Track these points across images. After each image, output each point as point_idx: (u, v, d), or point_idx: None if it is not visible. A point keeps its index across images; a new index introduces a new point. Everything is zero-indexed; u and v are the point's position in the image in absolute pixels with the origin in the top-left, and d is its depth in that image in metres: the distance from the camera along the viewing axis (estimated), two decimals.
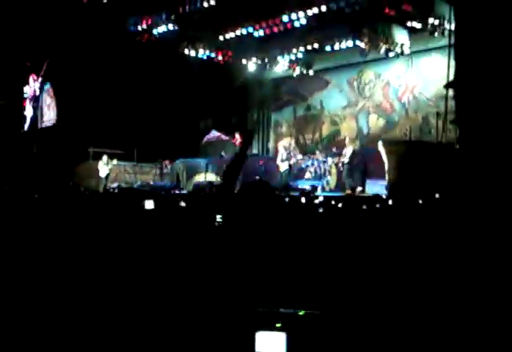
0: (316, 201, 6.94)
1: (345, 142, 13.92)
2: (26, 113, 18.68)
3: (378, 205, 5.32)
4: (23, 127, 18.21)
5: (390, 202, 6.02)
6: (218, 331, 1.34)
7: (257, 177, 14.30)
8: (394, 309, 1.81)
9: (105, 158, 15.95)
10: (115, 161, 15.97)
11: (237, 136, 18.47)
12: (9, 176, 14.68)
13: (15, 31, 15.04)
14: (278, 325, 1.16)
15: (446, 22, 13.46)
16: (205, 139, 18.54)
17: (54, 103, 17.80)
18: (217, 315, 1.46)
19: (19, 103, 18.36)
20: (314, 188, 12.79)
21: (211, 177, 17.22)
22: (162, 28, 15.59)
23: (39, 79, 17.98)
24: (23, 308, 1.87)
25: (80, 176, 16.56)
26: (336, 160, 13.89)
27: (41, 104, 18.32)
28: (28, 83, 18.60)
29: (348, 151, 13.31)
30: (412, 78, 16.77)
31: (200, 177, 17.02)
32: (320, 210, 5.10)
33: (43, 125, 18.03)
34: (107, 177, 15.95)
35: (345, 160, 13.29)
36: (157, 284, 2.00)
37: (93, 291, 2.01)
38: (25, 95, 18.63)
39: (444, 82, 13.18)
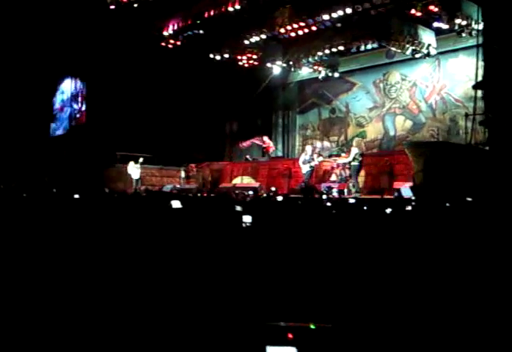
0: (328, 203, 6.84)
1: (352, 143, 13.90)
2: (58, 116, 19.00)
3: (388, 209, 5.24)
4: (51, 132, 18.53)
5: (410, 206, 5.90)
6: (229, 345, 1.34)
7: (303, 184, 14.25)
8: (409, 322, 1.79)
9: (132, 162, 16.21)
10: (141, 159, 16.20)
11: (265, 139, 18.47)
12: (39, 179, 14.98)
13: (47, 36, 15.35)
14: (289, 338, 1.16)
15: (473, 22, 13.25)
16: (243, 144, 18.54)
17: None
18: (227, 329, 1.47)
19: (48, 107, 18.70)
20: (330, 189, 12.71)
21: (238, 180, 17.28)
22: (188, 33, 15.74)
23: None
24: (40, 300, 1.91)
25: (108, 179, 16.80)
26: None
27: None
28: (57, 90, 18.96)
29: (352, 152, 13.24)
30: (439, 78, 16.54)
31: (236, 180, 17.15)
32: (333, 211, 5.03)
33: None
34: (139, 179, 16.23)
35: (348, 160, 13.23)
36: (166, 292, 2.01)
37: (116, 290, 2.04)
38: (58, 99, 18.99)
39: (472, 83, 13.00)
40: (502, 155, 10.49)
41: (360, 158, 13.14)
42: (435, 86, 16.70)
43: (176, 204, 5.10)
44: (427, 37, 14.55)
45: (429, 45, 14.55)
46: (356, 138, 14.68)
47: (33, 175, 15.13)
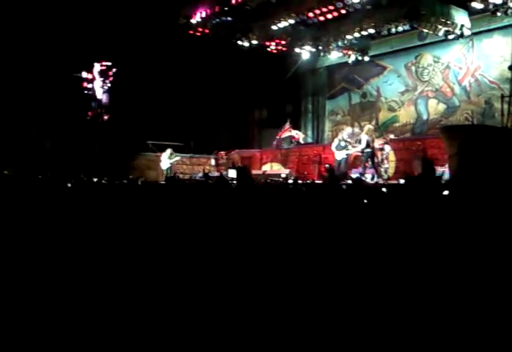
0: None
1: (361, 130, 13.72)
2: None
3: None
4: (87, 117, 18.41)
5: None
6: None
7: (327, 166, 14.09)
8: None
9: (169, 150, 16.30)
10: (177, 158, 16.31)
11: (293, 132, 18.20)
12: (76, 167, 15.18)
13: (77, 24, 15.42)
14: None
15: (509, 0, 12.79)
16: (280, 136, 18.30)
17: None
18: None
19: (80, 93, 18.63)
20: (361, 175, 12.61)
21: (267, 167, 17.27)
22: (215, 20, 15.67)
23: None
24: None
25: (139, 168, 17.01)
26: (351, 150, 13.75)
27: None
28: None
29: (363, 139, 13.05)
30: (473, 60, 16.08)
31: (265, 167, 17.18)
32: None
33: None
34: (169, 169, 16.33)
35: (362, 147, 13.06)
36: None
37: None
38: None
39: (508, 63, 12.63)
40: None
41: (371, 144, 13.03)
42: (469, 67, 16.24)
43: (232, 173, 5.08)
44: (460, 17, 14.12)
45: (462, 25, 14.11)
46: (368, 126, 14.33)
47: (68, 164, 15.34)
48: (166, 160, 16.30)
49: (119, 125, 17.16)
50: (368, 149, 13.01)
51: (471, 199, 5.26)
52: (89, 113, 17.78)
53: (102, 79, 17.80)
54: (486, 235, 2.81)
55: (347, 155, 13.89)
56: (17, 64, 15.23)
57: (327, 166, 14.11)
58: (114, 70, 17.49)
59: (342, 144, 13.95)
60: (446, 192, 5.66)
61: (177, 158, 16.37)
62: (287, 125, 18.30)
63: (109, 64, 17.50)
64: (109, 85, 17.64)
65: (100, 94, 17.91)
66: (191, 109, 17.57)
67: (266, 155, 17.92)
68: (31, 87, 15.69)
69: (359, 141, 13.58)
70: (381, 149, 13.79)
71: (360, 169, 13.68)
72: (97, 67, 17.79)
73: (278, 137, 17.98)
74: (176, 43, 16.31)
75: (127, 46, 16.35)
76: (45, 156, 15.94)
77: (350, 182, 11.51)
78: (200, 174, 16.63)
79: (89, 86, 17.85)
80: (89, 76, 17.81)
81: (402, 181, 10.54)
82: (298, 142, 17.89)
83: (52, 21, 15.11)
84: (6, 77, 15.27)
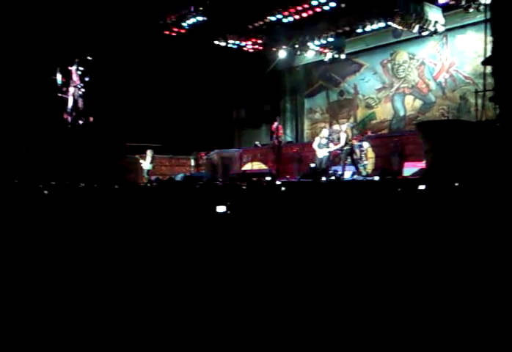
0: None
1: (340, 128, 13.91)
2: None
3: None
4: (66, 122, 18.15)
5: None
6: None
7: (312, 165, 14.13)
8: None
9: (149, 152, 16.19)
10: (150, 166, 16.19)
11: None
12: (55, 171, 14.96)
13: (52, 25, 15.19)
14: None
15: None
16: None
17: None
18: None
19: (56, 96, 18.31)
20: (335, 172, 12.76)
21: (248, 166, 17.27)
22: (191, 20, 15.62)
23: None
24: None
25: (119, 170, 16.84)
26: (333, 148, 13.85)
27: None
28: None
29: (342, 137, 13.21)
30: (448, 56, 16.29)
31: (246, 167, 17.15)
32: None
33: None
34: (147, 171, 16.24)
35: (341, 146, 13.22)
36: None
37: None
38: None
39: (481, 59, 12.79)
40: None
41: (350, 142, 13.21)
42: (443, 64, 16.45)
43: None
44: (433, 14, 14.29)
45: (436, 22, 14.30)
46: (347, 124, 14.46)
47: (47, 169, 15.12)
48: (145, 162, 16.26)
49: (96, 128, 16.97)
50: (347, 147, 13.13)
51: (445, 193, 5.33)
52: (65, 117, 17.54)
53: (77, 84, 17.56)
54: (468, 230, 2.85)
55: (329, 152, 13.94)
56: None
57: (312, 165, 14.16)
58: (87, 78, 17.27)
59: (324, 142, 14.01)
60: (422, 187, 5.74)
61: (149, 156, 16.22)
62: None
63: (83, 69, 17.27)
64: (83, 90, 17.41)
65: (74, 99, 17.65)
66: (169, 110, 17.48)
67: (246, 155, 17.92)
68: (7, 90, 15.46)
69: (339, 139, 13.68)
70: (360, 146, 13.89)
71: (340, 166, 13.76)
72: (72, 71, 17.56)
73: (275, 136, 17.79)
74: (152, 44, 16.21)
75: (103, 47, 16.19)
76: (22, 160, 15.72)
77: (333, 178, 11.71)
78: (181, 175, 16.54)
79: (64, 89, 17.60)
80: (64, 80, 17.56)
81: (376, 178, 10.68)
82: (277, 137, 17.79)
83: (26, 23, 14.91)
84: None
